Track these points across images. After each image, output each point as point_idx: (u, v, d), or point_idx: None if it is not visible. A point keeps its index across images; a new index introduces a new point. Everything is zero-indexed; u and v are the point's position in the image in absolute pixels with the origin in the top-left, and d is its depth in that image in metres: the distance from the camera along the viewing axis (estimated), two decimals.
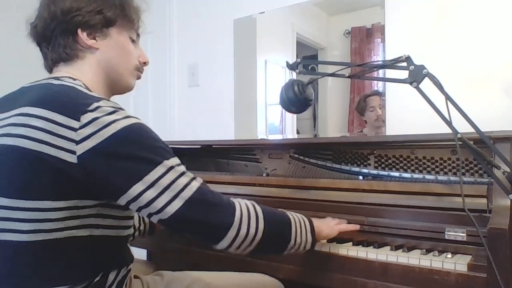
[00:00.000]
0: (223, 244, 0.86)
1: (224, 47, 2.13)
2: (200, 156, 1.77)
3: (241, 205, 0.89)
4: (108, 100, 0.84)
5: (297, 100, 1.19)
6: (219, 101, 2.17)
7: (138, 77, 1.06)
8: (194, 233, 0.86)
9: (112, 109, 0.81)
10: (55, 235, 0.79)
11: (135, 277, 1.02)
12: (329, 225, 1.09)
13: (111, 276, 0.88)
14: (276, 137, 2.00)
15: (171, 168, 0.82)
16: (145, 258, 1.75)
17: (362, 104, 1.73)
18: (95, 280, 0.85)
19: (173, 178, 0.81)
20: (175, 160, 0.84)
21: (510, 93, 1.39)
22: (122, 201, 0.81)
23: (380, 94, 1.68)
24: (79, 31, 0.93)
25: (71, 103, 0.82)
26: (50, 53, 0.95)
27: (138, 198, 0.79)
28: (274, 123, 2.03)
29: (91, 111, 0.79)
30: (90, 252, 0.84)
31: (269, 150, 1.55)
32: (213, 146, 1.73)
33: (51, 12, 0.92)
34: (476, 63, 1.45)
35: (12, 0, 2.20)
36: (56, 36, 0.93)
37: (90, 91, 0.89)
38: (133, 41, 1.03)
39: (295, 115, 1.95)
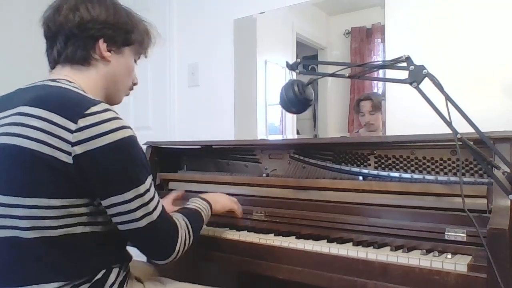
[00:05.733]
0: (162, 262, 0.96)
1: (224, 47, 2.13)
2: (200, 156, 1.77)
3: (181, 227, 0.98)
4: (105, 103, 0.87)
5: (297, 100, 1.19)
6: (219, 101, 2.16)
7: (127, 95, 1.11)
8: (144, 249, 0.95)
9: (108, 116, 0.83)
10: (51, 232, 0.82)
11: (137, 279, 1.03)
12: (222, 205, 1.23)
13: (112, 276, 0.90)
14: (276, 137, 2.00)
15: (147, 190, 0.88)
16: (145, 258, 1.75)
17: (356, 108, 1.76)
18: (96, 278, 0.87)
19: (147, 200, 0.88)
20: (150, 179, 0.90)
21: (510, 93, 1.39)
22: (104, 203, 0.86)
23: (371, 99, 1.70)
24: (101, 41, 0.97)
25: (69, 104, 0.84)
26: (65, 49, 0.95)
27: (111, 208, 0.85)
28: (274, 123, 2.03)
29: (89, 115, 0.81)
30: (85, 248, 0.87)
31: (269, 151, 1.55)
32: (213, 146, 1.73)
33: (91, 16, 0.95)
34: (476, 63, 1.45)
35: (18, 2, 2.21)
36: (83, 37, 0.95)
37: (86, 93, 0.91)
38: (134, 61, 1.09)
39: (295, 116, 1.95)
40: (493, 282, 0.84)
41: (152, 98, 2.45)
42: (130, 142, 0.85)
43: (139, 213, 0.86)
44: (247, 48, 2.08)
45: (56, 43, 0.96)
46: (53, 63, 0.98)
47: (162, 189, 1.77)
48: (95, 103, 0.84)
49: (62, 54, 0.95)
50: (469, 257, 0.95)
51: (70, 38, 0.94)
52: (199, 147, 1.78)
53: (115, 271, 0.91)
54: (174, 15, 2.36)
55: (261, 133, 2.02)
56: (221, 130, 2.13)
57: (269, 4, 1.96)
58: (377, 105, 1.68)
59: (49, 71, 1.00)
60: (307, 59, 1.87)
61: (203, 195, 1.19)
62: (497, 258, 0.85)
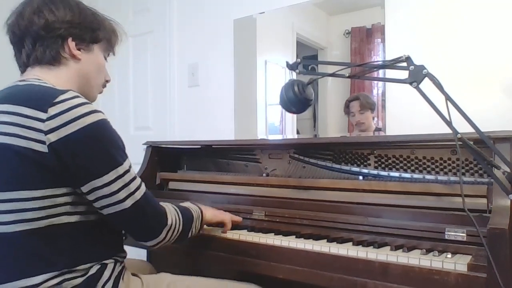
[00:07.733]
0: (152, 243, 0.97)
1: (224, 47, 2.13)
2: (200, 156, 1.78)
3: (170, 211, 1.00)
4: (73, 91, 0.88)
5: (297, 100, 1.19)
6: (219, 101, 2.16)
7: (101, 92, 1.13)
8: (132, 230, 0.96)
9: (78, 102, 0.85)
10: (36, 224, 0.83)
11: (135, 275, 1.03)
12: (213, 213, 1.22)
13: (107, 272, 0.91)
14: (276, 137, 2.00)
15: (127, 171, 0.89)
16: (145, 258, 1.76)
17: (346, 110, 1.77)
18: (89, 273, 0.88)
19: (128, 181, 0.89)
20: (128, 161, 0.91)
21: (510, 93, 1.39)
22: (83, 189, 0.86)
23: (359, 99, 1.72)
24: (69, 39, 0.98)
25: (37, 95, 0.86)
26: (33, 51, 0.97)
27: (92, 192, 0.86)
28: (274, 123, 2.03)
29: (58, 103, 0.83)
30: (72, 239, 0.87)
31: (269, 150, 1.55)
32: (213, 146, 1.73)
33: (56, 16, 0.96)
34: (476, 63, 1.45)
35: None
36: (50, 37, 0.96)
37: (55, 86, 0.92)
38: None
39: (295, 115, 1.95)
40: (493, 282, 0.84)
41: (152, 98, 2.45)
42: (102, 125, 0.87)
43: (122, 194, 0.88)
44: (247, 48, 2.08)
45: (24, 46, 0.97)
46: (23, 67, 1.00)
47: (162, 189, 1.77)
48: (63, 91, 0.86)
49: (31, 56, 0.97)
50: (469, 257, 0.95)
51: (37, 40, 0.96)
52: (199, 147, 1.78)
53: (109, 267, 0.92)
54: (174, 15, 2.36)
55: (261, 133, 2.02)
56: (221, 130, 2.13)
57: (269, 4, 1.96)
58: (365, 105, 1.71)
59: (20, 75, 1.01)
60: (307, 59, 1.87)
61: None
62: (497, 257, 0.85)
